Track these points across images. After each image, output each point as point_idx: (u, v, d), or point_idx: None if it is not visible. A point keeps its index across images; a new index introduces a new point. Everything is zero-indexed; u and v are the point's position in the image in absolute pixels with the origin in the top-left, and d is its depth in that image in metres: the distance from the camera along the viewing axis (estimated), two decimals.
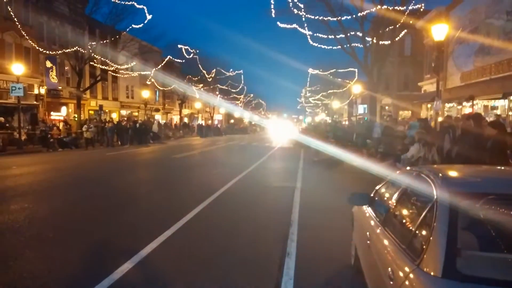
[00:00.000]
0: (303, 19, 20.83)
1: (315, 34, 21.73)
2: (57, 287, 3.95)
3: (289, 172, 13.05)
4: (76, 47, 27.44)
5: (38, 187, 10.06)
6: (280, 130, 48.80)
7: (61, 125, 24.93)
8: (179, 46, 41.85)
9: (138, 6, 26.53)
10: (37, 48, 26.72)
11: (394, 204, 3.10)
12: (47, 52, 27.58)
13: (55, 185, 10.40)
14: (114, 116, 38.29)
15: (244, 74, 55.51)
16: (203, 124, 51.05)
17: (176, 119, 52.49)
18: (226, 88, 53.82)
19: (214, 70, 48.13)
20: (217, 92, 54.24)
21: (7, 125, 22.66)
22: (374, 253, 2.87)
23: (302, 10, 20.38)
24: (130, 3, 27.17)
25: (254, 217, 6.86)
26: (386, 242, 2.70)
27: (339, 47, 22.62)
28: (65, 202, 8.12)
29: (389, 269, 2.33)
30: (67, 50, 27.09)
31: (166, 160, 17.32)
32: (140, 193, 9.49)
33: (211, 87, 51.04)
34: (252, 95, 71.17)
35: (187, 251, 5.03)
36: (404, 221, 2.78)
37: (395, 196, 3.17)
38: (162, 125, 36.11)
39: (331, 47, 23.18)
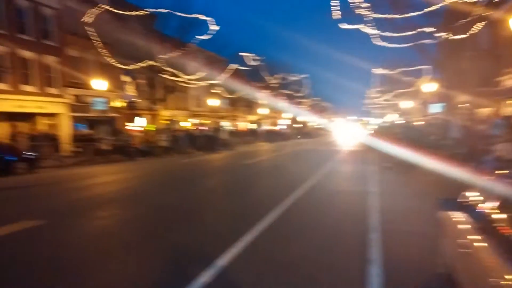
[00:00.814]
0: (367, 18, 20.30)
1: (380, 33, 21.07)
2: None
3: (360, 176, 12.76)
4: (149, 61, 29.17)
5: (123, 194, 10.85)
6: (346, 133, 47.84)
7: (138, 135, 26.59)
8: (242, 54, 42.70)
9: (205, 18, 27.58)
10: (114, 64, 28.84)
11: (497, 213, 2.93)
12: (124, 67, 29.60)
13: (138, 192, 11.13)
14: (185, 124, 40.02)
15: (308, 77, 55.30)
16: (270, 130, 51.49)
17: (243, 125, 53.55)
18: (291, 92, 53.94)
19: (278, 75, 48.47)
20: (282, 97, 54.55)
21: (95, 136, 24.64)
22: (477, 263, 2.75)
23: (366, 9, 19.88)
24: (196, 15, 28.40)
25: (329, 222, 6.81)
26: (492, 252, 2.57)
27: (408, 44, 21.70)
28: (148, 208, 8.60)
29: (501, 281, 2.22)
30: (140, 64, 28.85)
31: (237, 166, 17.76)
32: (215, 199, 9.84)
33: (276, 92, 51.47)
34: (316, 98, 70.62)
35: (264, 257, 5.06)
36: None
37: (497, 203, 3.00)
38: (230, 132, 37.03)
39: (398, 45, 22.30)
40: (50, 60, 25.62)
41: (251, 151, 28.29)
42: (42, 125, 25.08)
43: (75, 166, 19.02)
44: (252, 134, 45.80)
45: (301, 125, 66.43)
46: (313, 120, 68.00)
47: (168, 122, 35.15)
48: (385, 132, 23.70)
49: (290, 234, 6.09)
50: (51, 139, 23.40)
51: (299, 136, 51.58)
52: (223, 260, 4.85)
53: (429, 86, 30.41)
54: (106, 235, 6.43)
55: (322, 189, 10.36)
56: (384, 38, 21.44)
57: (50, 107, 25.51)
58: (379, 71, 38.12)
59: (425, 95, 34.01)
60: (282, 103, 53.85)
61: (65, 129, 25.91)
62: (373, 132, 31.43)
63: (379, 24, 21.15)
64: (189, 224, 6.94)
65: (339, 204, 8.48)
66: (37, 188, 12.41)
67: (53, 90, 25.91)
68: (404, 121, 31.91)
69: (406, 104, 43.43)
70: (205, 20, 28.97)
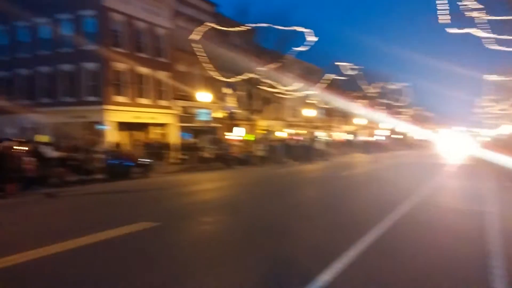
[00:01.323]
0: (479, 21, 18.61)
1: (496, 37, 19.16)
2: None
3: (474, 194, 11.67)
4: (248, 73, 30.36)
5: (225, 201, 11.42)
6: (453, 145, 44.08)
7: (237, 145, 27.73)
8: (338, 63, 42.13)
9: (303, 30, 27.87)
10: (217, 77, 30.61)
11: None
12: (225, 80, 31.20)
13: (239, 200, 11.60)
14: (281, 134, 40.67)
15: (409, 86, 52.44)
16: (367, 141, 49.83)
17: (339, 136, 52.68)
18: (390, 102, 51.66)
19: (377, 84, 46.83)
20: (381, 107, 52.54)
21: (198, 145, 26.35)
22: None
23: (480, 11, 18.26)
24: (295, 28, 28.89)
25: (441, 245, 6.25)
26: None
27: None
28: (249, 216, 8.87)
29: None
30: (240, 77, 30.13)
31: (333, 178, 17.52)
32: (312, 211, 9.72)
33: (374, 101, 49.76)
34: (417, 108, 66.49)
35: (368, 276, 4.84)
36: None
37: None
38: (326, 143, 36.66)
39: None
40: (162, 75, 28.13)
41: (347, 162, 27.67)
42: (154, 134, 27.62)
43: (182, 173, 20.52)
44: (348, 145, 44.76)
45: (401, 136, 63.10)
46: (414, 131, 64.09)
47: (264, 132, 36.07)
48: (502, 144, 21.39)
49: (396, 254, 5.80)
50: (162, 147, 25.57)
51: (398, 148, 48.97)
52: (324, 276, 4.73)
53: None
54: (212, 240, 6.82)
55: (429, 206, 9.68)
56: (500, 42, 19.51)
57: (161, 118, 27.97)
58: (492, 77, 34.66)
59: None
60: (380, 113, 51.82)
61: (173, 138, 28.16)
62: (486, 144, 28.56)
63: (493, 26, 19.30)
64: (287, 235, 6.98)
65: (451, 224, 7.84)
66: (150, 192, 13.67)
67: (164, 102, 28.38)
68: None
69: None
70: (303, 32, 29.45)
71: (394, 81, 50.28)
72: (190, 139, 28.50)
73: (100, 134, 21.84)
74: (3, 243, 6.75)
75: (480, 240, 6.34)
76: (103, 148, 19.20)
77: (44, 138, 12.70)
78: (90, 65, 24.90)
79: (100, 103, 24.41)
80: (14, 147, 14.45)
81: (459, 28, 19.30)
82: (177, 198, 12.08)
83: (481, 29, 18.79)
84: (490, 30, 18.81)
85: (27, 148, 14.92)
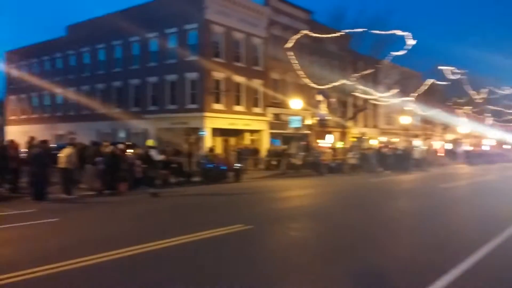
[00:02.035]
0: None
1: None
2: None
3: None
4: (342, 80, 29.97)
5: (314, 208, 11.54)
6: None
7: (328, 152, 27.52)
8: (441, 67, 39.45)
9: (402, 33, 26.77)
10: (309, 84, 30.77)
11: None
12: (318, 87, 31.20)
13: (328, 208, 11.62)
14: (374, 142, 39.30)
15: None
16: (470, 151, 45.70)
17: (438, 145, 49.13)
18: (501, 109, 46.79)
19: (484, 89, 42.81)
20: (487, 114, 47.86)
21: (288, 152, 26.76)
22: None
23: None
24: (392, 31, 27.85)
25: None
26: None
27: None
28: (338, 225, 8.85)
29: None
30: (334, 84, 29.85)
31: (431, 190, 16.49)
32: (405, 226, 9.33)
33: (481, 108, 45.52)
34: None
35: None
36: None
37: None
38: (423, 152, 34.51)
39: None
40: (256, 83, 29.18)
41: (448, 173, 25.78)
42: (246, 140, 28.72)
43: (272, 178, 21.05)
44: (449, 155, 41.54)
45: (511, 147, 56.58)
46: None
47: (357, 139, 35.20)
48: None
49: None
50: (253, 153, 26.49)
51: (508, 159, 44.04)
52: None
53: None
54: (302, 246, 7.00)
55: None
56: None
57: (254, 125, 28.99)
58: None
59: None
60: (487, 121, 47.18)
61: (264, 144, 28.96)
62: None
63: None
64: (377, 248, 6.86)
65: None
66: (242, 196, 14.33)
67: (257, 110, 29.38)
68: None
69: None
70: (401, 36, 28.25)
71: (506, 84, 45.43)
72: (280, 146, 29.04)
73: (198, 139, 23.40)
74: (119, 235, 7.74)
75: None
76: (201, 152, 20.54)
77: (151, 142, 14.06)
78: (192, 75, 26.83)
79: (199, 110, 26.16)
80: (126, 150, 16.28)
81: None
82: (268, 203, 12.51)
83: None
84: None
85: (136, 152, 16.68)
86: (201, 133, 24.03)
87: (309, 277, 5.21)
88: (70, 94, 33.98)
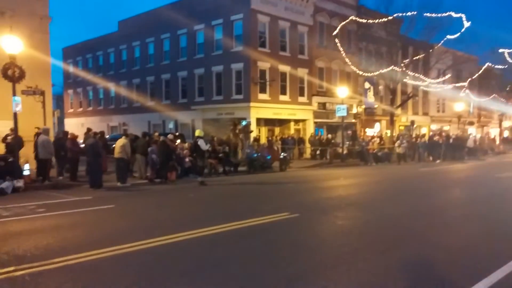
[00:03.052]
0: None
1: None
2: None
3: None
4: (391, 67, 29.00)
5: (360, 198, 11.42)
6: None
7: (375, 141, 26.91)
8: (501, 50, 37.00)
9: (455, 15, 25.44)
10: (357, 72, 30.07)
11: None
12: (365, 74, 30.43)
13: (376, 197, 11.46)
14: (425, 131, 37.84)
15: None
16: None
17: (495, 132, 46.45)
18: None
19: None
20: None
21: (333, 141, 26.50)
22: None
23: None
24: (447, 14, 26.49)
25: None
26: None
27: None
28: (387, 214, 8.71)
29: None
30: (383, 71, 28.95)
31: (486, 179, 15.74)
32: (459, 216, 8.98)
33: None
34: None
35: None
36: None
37: None
38: (478, 140, 32.80)
39: None
40: (302, 72, 28.94)
41: (504, 162, 24.37)
42: (291, 129, 28.66)
43: (317, 167, 20.98)
44: (507, 143, 39.16)
45: None
46: None
47: (405, 128, 34.06)
48: None
49: None
50: (298, 142, 26.44)
51: None
52: None
53: None
54: (349, 235, 6.98)
55: None
56: None
57: (299, 114, 28.86)
58: None
59: None
60: None
61: (309, 134, 28.78)
62: None
63: None
64: (429, 238, 6.74)
65: None
66: (287, 185, 14.44)
67: (302, 99, 29.19)
68: None
69: None
70: (454, 19, 26.85)
71: None
72: (326, 135, 28.74)
73: (247, 129, 23.63)
74: (170, 222, 8.14)
75: None
76: (247, 142, 20.83)
77: (199, 132, 14.48)
78: (238, 66, 27.09)
79: (245, 100, 26.40)
80: (175, 140, 16.87)
81: None
82: (314, 192, 12.54)
83: None
84: None
85: (185, 142, 17.25)
86: (244, 122, 24.24)
87: (358, 266, 5.23)
88: (122, 87, 35.49)
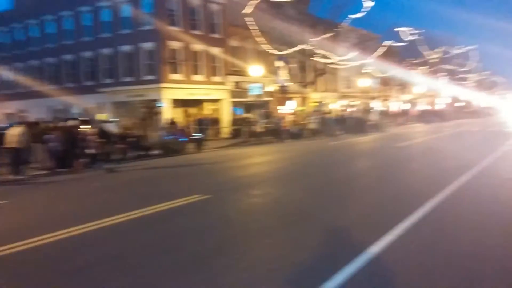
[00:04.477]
0: None
1: None
2: (299, 267, 4.53)
3: None
4: (301, 45, 29.83)
5: (274, 174, 11.65)
6: None
7: (289, 118, 27.71)
8: (398, 29, 40.00)
9: None
10: (269, 50, 30.42)
11: None
12: (277, 53, 30.90)
13: (288, 173, 11.79)
14: (334, 106, 39.87)
15: (474, 50, 48.53)
16: (426, 110, 47.42)
17: (396, 106, 50.61)
18: (454, 68, 48.39)
19: (439, 49, 43.98)
20: (443, 74, 49.43)
21: (248, 120, 26.72)
22: None
23: None
24: None
25: (501, 220, 6.00)
26: None
27: None
28: (297, 189, 9.01)
29: None
30: (292, 49, 29.67)
31: (387, 149, 17.09)
32: (366, 183, 9.67)
33: (436, 68, 46.90)
34: (484, 73, 61.58)
35: (424, 248, 4.81)
36: None
37: None
38: (381, 113, 35.46)
39: None
40: (215, 51, 28.52)
41: (404, 133, 26.68)
42: (207, 110, 28.33)
43: (233, 147, 21.04)
44: (406, 115, 42.95)
45: (464, 104, 59.18)
46: (479, 98, 59.75)
47: (317, 104, 35.57)
48: None
49: (453, 225, 5.66)
50: (214, 123, 26.26)
51: (460, 116, 46.11)
52: (376, 247, 4.72)
53: None
54: (260, 211, 7.09)
55: (491, 178, 9.17)
56: None
57: (214, 94, 28.56)
58: None
59: None
60: (441, 80, 48.79)
61: (225, 113, 28.72)
62: None
63: None
64: (337, 207, 7.08)
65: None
66: (202, 166, 14.26)
67: (217, 78, 28.87)
68: None
69: None
70: None
71: (458, 45, 46.84)
72: (242, 114, 28.91)
73: (157, 111, 22.85)
74: (67, 215, 7.53)
75: None
76: (159, 124, 20.12)
77: (104, 117, 13.59)
78: (148, 45, 25.84)
79: (157, 81, 25.39)
80: (80, 126, 15.66)
81: None
82: (228, 172, 12.52)
83: None
84: None
85: (91, 127, 16.10)
86: (159, 104, 23.45)
87: (266, 241, 5.28)
88: (19, 70, 32.03)
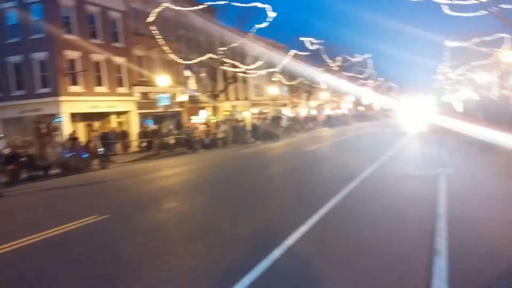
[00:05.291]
0: None
1: (452, 2, 19.37)
2: (200, 282, 4.25)
3: (429, 159, 11.93)
4: (209, 54, 29.71)
5: (183, 186, 11.21)
6: (414, 113, 45.08)
7: (201, 128, 27.35)
8: (302, 39, 41.99)
9: (262, 5, 27.32)
10: (177, 60, 29.80)
11: None
12: (185, 62, 30.44)
13: (197, 184, 11.44)
14: (246, 114, 40.41)
15: (373, 55, 53.05)
16: (332, 115, 50.34)
17: (304, 112, 52.95)
18: (354, 74, 52.17)
19: (340, 57, 47.06)
20: (345, 80, 52.97)
21: (160, 131, 25.82)
22: None
23: None
24: (253, 4, 28.31)
25: (393, 211, 6.36)
26: None
27: (484, 12, 19.71)
28: (207, 200, 8.78)
29: None
30: (200, 59, 29.43)
31: (297, 154, 17.58)
32: (273, 188, 9.72)
33: (338, 75, 50.10)
34: (381, 78, 67.53)
35: (322, 250, 4.89)
36: None
37: None
38: (290, 119, 36.75)
39: (473, 13, 20.41)
40: (119, 61, 27.14)
41: (312, 137, 27.85)
42: (113, 123, 26.78)
43: (142, 160, 20.08)
44: (313, 120, 45.11)
45: (364, 108, 64.11)
46: (378, 101, 65.24)
47: (229, 113, 35.70)
48: (450, 108, 21.95)
49: (352, 218, 5.82)
50: (122, 136, 24.90)
51: (362, 119, 49.75)
52: (276, 253, 4.72)
53: (510, 55, 27.74)
54: (164, 228, 6.63)
55: (385, 174, 9.80)
56: (456, 7, 19.78)
57: (120, 106, 27.10)
58: (452, 44, 35.45)
59: (506, 66, 31.03)
60: (344, 86, 52.28)
61: (133, 126, 27.42)
62: (442, 110, 29.23)
63: None
64: (245, 216, 6.93)
65: (404, 190, 7.96)
66: (106, 183, 13.27)
67: (122, 89, 27.47)
68: (482, 96, 29.20)
69: (482, 77, 39.91)
70: (263, 8, 28.91)
71: (358, 51, 50.70)
72: (151, 126, 27.87)
73: (55, 127, 20.92)
74: None
75: (429, 204, 6.41)
76: (58, 141, 18.44)
77: None
78: (40, 55, 23.68)
79: (54, 94, 23.34)
80: None
81: None
82: (133, 188, 11.78)
83: None
84: None
85: None
86: (57, 119, 21.53)
87: (163, 259, 4.90)
88: None
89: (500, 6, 18.84)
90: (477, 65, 40.07)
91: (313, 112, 52.60)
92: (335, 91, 53.77)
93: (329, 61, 45.69)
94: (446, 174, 8.78)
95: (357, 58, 49.79)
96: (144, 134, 25.94)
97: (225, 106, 37.76)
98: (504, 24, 21.03)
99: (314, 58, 46.11)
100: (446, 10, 19.99)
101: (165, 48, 28.74)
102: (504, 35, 28.85)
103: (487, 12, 19.40)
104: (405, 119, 43.19)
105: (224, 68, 32.89)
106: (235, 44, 32.18)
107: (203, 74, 34.60)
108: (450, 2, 19.19)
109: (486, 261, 4.08)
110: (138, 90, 28.42)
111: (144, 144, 24.83)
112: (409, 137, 20.51)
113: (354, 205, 6.93)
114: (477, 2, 19.00)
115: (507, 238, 4.61)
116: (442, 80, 60.58)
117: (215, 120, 30.67)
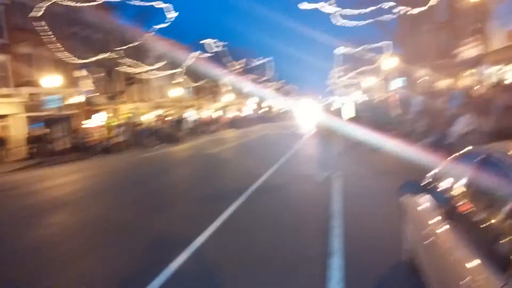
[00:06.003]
0: None
1: (340, 12, 20.91)
2: None
3: (320, 159, 12.71)
4: (106, 53, 28.10)
5: (73, 197, 10.46)
6: (310, 115, 47.78)
7: (97, 132, 25.70)
8: (203, 42, 41.83)
9: (162, 5, 26.57)
10: (69, 59, 27.59)
11: (462, 195, 2.67)
12: (79, 61, 28.37)
13: (89, 194, 10.77)
14: (148, 117, 39.03)
15: (277, 55, 55.29)
16: (235, 117, 51.07)
17: (208, 114, 52.91)
18: (256, 77, 53.67)
19: (242, 60, 48.05)
20: (247, 82, 54.20)
21: (48, 137, 23.61)
22: (441, 254, 2.60)
23: None
24: (152, 3, 27.38)
25: (290, 212, 6.69)
26: (457, 243, 2.35)
27: (368, 21, 21.72)
28: (98, 212, 8.31)
29: (469, 277, 2.03)
30: (96, 58, 27.72)
31: (199, 157, 17.49)
32: (174, 193, 9.61)
33: (241, 77, 51.08)
34: (281, 81, 70.55)
35: (220, 258, 4.94)
36: (479, 220, 2.29)
37: (462, 185, 2.75)
38: (194, 122, 36.47)
39: (358, 22, 22.34)
40: (1, 58, 24.26)
41: (215, 139, 27.94)
42: None
43: (26, 170, 18.19)
44: (217, 122, 45.28)
45: (266, 109, 66.25)
46: (278, 103, 67.91)
47: (129, 115, 34.18)
48: (338, 112, 23.64)
49: (242, 235, 5.93)
50: (2, 143, 22.32)
51: (264, 121, 51.31)
52: (177, 262, 4.71)
53: (389, 62, 30.78)
54: (48, 245, 6.09)
55: (282, 176, 10.28)
56: (344, 16, 21.38)
57: (3, 108, 24.23)
58: (341, 50, 38.27)
59: (387, 71, 34.44)
60: (246, 89, 53.47)
61: (19, 131, 24.70)
62: (330, 112, 31.38)
63: (339, 1, 20.98)
64: (141, 227, 6.71)
65: (301, 190, 8.40)
66: None
67: (4, 90, 24.60)
68: (366, 99, 32.01)
69: (368, 81, 43.86)
70: (166, 8, 28.11)
71: (261, 51, 52.41)
72: (40, 130, 25.37)
73: None
74: None
75: (323, 203, 6.84)
76: None
77: None
78: None
79: None
80: None
81: (310, 2, 20.60)
82: (13, 201, 10.62)
83: (329, 4, 20.25)
84: (335, 5, 20.39)
85: None
86: None
87: (42, 284, 4.50)
88: None
89: (377, 19, 20.95)
90: (363, 70, 43.88)
91: (217, 114, 52.83)
92: (240, 93, 54.72)
93: (231, 63, 46.33)
94: (337, 175, 9.42)
95: (258, 62, 51.29)
96: (32, 139, 23.54)
97: (127, 108, 36.07)
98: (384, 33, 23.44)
99: (217, 61, 46.38)
100: (336, 20, 21.53)
101: (55, 45, 26.44)
102: (384, 43, 32.00)
103: (370, 21, 21.41)
104: (302, 120, 45.53)
105: (122, 68, 31.40)
106: (134, 44, 30.89)
107: (100, 75, 32.62)
108: (338, 10, 20.71)
109: (374, 255, 4.49)
110: (26, 90, 25.69)
111: (35, 151, 22.55)
112: (303, 139, 21.58)
113: (248, 213, 7.09)
114: (362, 13, 20.89)
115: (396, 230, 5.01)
116: (334, 84, 65.11)
117: (113, 123, 29.09)
